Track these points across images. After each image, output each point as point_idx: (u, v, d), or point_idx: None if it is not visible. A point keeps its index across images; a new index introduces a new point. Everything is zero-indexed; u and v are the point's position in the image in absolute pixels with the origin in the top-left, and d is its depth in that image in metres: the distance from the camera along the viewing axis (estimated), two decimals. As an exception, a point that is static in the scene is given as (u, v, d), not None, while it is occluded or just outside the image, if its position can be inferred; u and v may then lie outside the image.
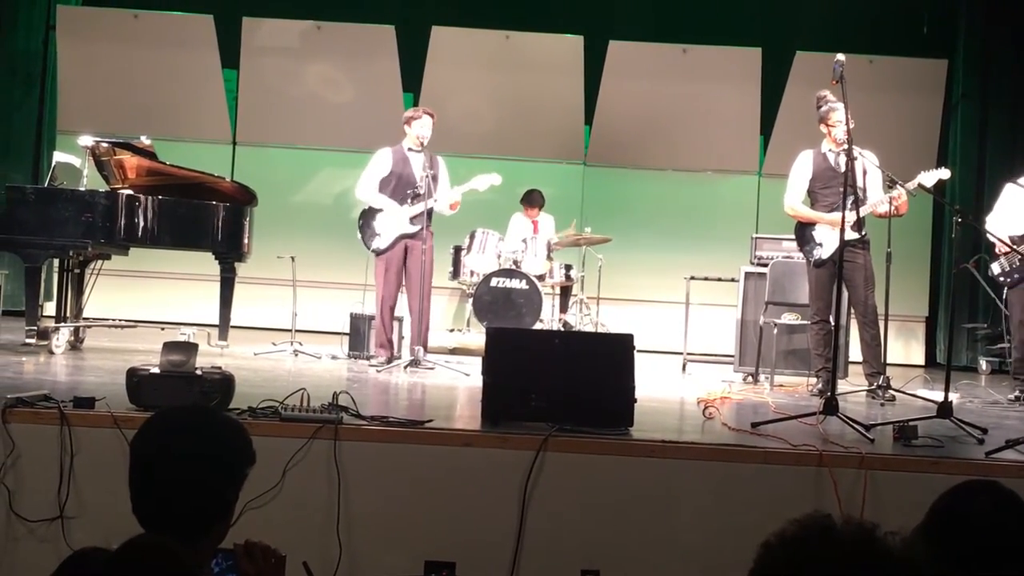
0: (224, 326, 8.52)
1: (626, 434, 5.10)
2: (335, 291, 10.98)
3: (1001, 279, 8.08)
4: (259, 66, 12.19)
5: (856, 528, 1.69)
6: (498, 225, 10.51)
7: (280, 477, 4.70)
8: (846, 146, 6.46)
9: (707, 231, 11.91)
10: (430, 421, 5.14)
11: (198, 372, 5.05)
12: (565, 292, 10.82)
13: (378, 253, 8.55)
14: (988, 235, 7.79)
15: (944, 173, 7.55)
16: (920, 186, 7.17)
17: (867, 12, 12.03)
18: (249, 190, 8.72)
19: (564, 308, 10.67)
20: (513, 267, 9.90)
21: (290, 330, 9.21)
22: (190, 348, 5.17)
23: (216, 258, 8.51)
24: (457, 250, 10.37)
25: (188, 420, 2.58)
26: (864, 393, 7.55)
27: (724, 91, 12.10)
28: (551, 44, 12.13)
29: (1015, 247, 7.68)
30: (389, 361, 8.32)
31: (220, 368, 5.21)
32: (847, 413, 5.75)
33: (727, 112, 12.15)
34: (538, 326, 9.58)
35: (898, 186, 7.30)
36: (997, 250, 8.01)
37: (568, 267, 10.62)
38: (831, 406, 5.63)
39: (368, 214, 8.62)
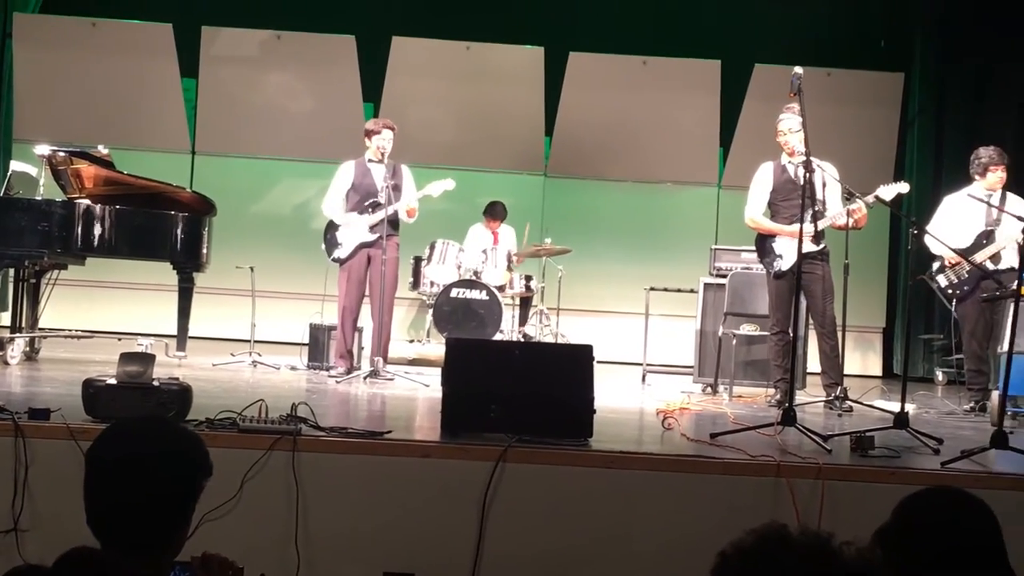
0: (182, 337, 8.45)
1: (585, 445, 5.10)
2: (294, 301, 10.92)
3: (949, 291, 8.15)
4: (218, 75, 12.13)
5: (812, 538, 1.71)
6: (458, 236, 10.52)
7: (238, 489, 4.67)
8: (802, 157, 6.50)
9: (667, 242, 11.96)
10: (389, 432, 5.13)
11: (155, 383, 5.02)
12: (525, 303, 10.83)
13: (340, 263, 8.55)
14: (936, 247, 7.85)
15: (903, 187, 7.62)
16: (878, 199, 7.23)
17: (825, 26, 12.13)
18: (208, 200, 8.66)
19: (524, 319, 10.69)
20: (473, 278, 9.91)
21: (249, 341, 9.17)
22: (147, 359, 5.12)
23: (174, 268, 8.43)
24: (417, 260, 10.37)
25: (144, 431, 2.56)
26: (822, 404, 7.60)
27: (684, 103, 12.17)
28: (512, 55, 12.16)
29: (964, 259, 7.76)
30: (348, 372, 8.29)
31: (177, 379, 5.18)
32: (805, 424, 5.78)
33: (687, 124, 12.22)
34: (498, 337, 9.59)
35: (856, 199, 7.36)
36: (947, 263, 8.08)
37: (528, 278, 10.64)
38: (789, 417, 5.66)
39: (333, 225, 8.64)
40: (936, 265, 8.18)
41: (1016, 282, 6.15)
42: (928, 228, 7.93)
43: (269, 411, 5.12)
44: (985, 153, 8.09)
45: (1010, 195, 8.09)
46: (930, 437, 5.72)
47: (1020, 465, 5.24)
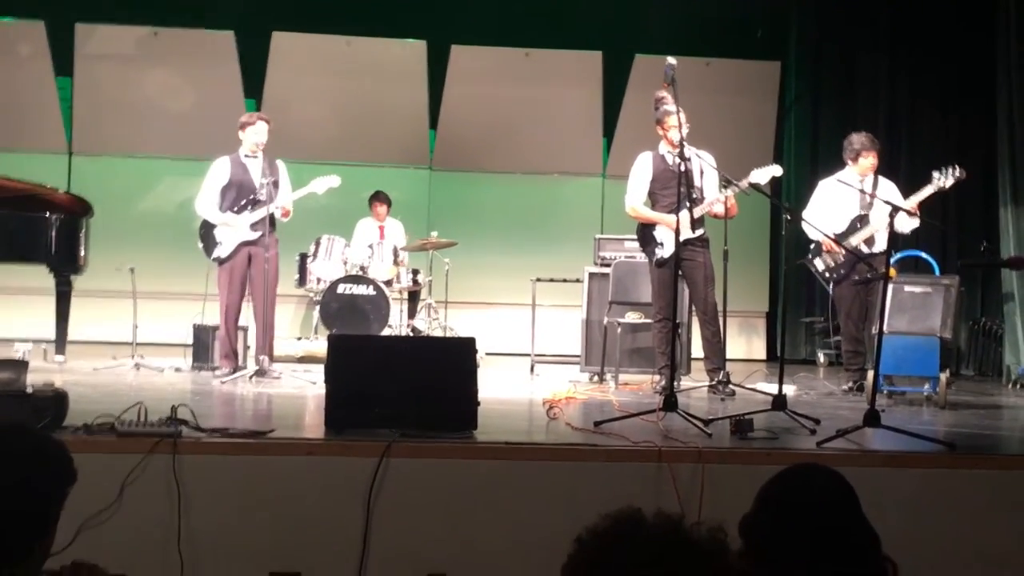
0: (61, 341, 8.29)
1: (470, 437, 5.13)
2: (178, 302, 10.71)
3: (826, 275, 8.34)
4: (94, 73, 11.88)
5: (663, 520, 1.76)
6: (344, 231, 10.45)
7: (118, 494, 4.59)
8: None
9: (552, 233, 12.02)
10: (272, 431, 5.09)
11: (29, 390, 4.91)
12: (413, 297, 10.82)
13: (220, 262, 8.40)
14: (811, 232, 8.03)
15: (776, 170, 7.78)
16: (751, 185, 7.35)
17: (704, 16, 12.27)
18: (84, 201, 8.50)
19: (412, 313, 10.66)
20: (360, 273, 9.87)
21: (131, 343, 9.00)
22: (20, 366, 5.03)
23: (51, 271, 8.27)
24: (303, 257, 10.28)
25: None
26: (706, 389, 7.73)
27: (567, 94, 12.27)
28: (393, 49, 12.13)
29: (838, 244, 7.95)
30: (234, 371, 8.18)
31: (53, 385, 5.08)
32: (688, 409, 5.89)
33: (570, 115, 12.32)
34: (386, 332, 9.56)
35: (732, 186, 7.49)
36: (823, 247, 8.26)
37: (415, 272, 10.64)
38: (671, 403, 5.75)
39: (208, 223, 8.46)
40: (813, 248, 8.37)
41: (886, 264, 6.30)
42: (804, 213, 8.11)
43: (149, 414, 5.04)
44: (857, 139, 8.28)
45: (882, 180, 8.30)
46: (807, 418, 5.86)
47: (892, 442, 5.40)
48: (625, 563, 1.72)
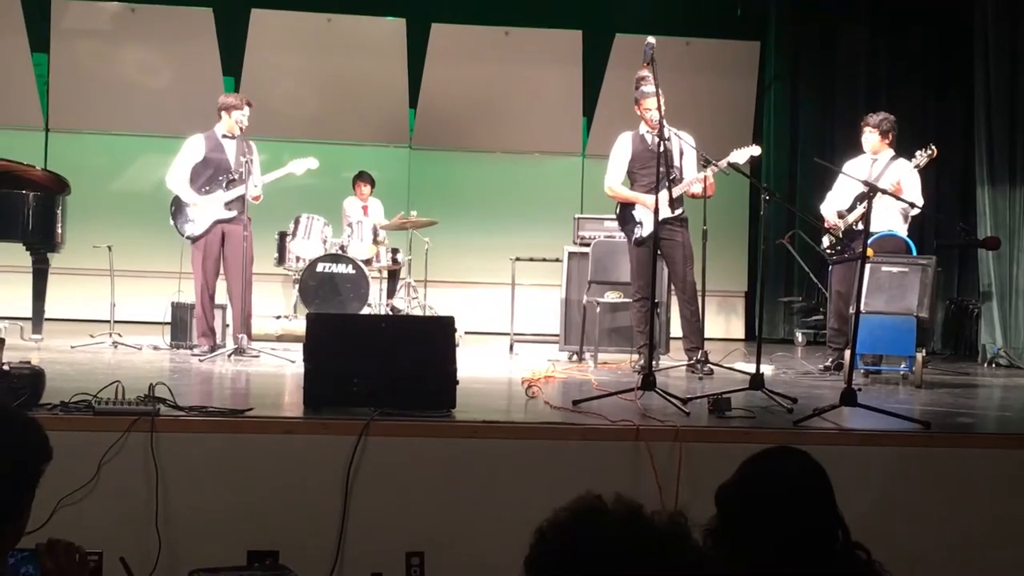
0: (38, 319, 8.25)
1: (448, 416, 5.12)
2: (156, 280, 10.68)
3: (828, 251, 8.40)
4: (71, 49, 11.80)
5: (624, 508, 1.77)
6: (323, 210, 10.41)
7: (95, 472, 4.58)
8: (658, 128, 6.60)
9: (532, 212, 12.01)
10: (250, 410, 5.08)
11: (5, 368, 4.88)
12: (392, 276, 10.81)
13: (193, 240, 8.37)
14: (824, 211, 8.14)
15: (755, 150, 7.81)
16: (730, 164, 7.36)
17: (684, -5, 12.31)
18: (61, 178, 8.45)
19: (392, 292, 10.66)
20: (339, 252, 9.85)
21: (109, 321, 8.96)
22: (-4, 343, 4.99)
23: (27, 249, 8.23)
24: (282, 236, 10.25)
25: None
26: (684, 368, 7.75)
27: (547, 73, 12.25)
28: (373, 27, 12.10)
29: (833, 224, 8.08)
30: (212, 350, 8.16)
31: (29, 363, 5.06)
32: (666, 388, 5.89)
33: (550, 94, 12.30)
34: (365, 311, 9.55)
35: (710, 166, 7.50)
36: (825, 224, 8.33)
37: (395, 251, 10.62)
38: (649, 382, 5.76)
39: (180, 200, 8.43)
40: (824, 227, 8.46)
41: (864, 244, 6.33)
42: (829, 194, 8.36)
43: (127, 392, 5.02)
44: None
45: (898, 160, 8.25)
46: (785, 397, 5.88)
47: (869, 421, 5.43)
48: (587, 554, 1.74)
